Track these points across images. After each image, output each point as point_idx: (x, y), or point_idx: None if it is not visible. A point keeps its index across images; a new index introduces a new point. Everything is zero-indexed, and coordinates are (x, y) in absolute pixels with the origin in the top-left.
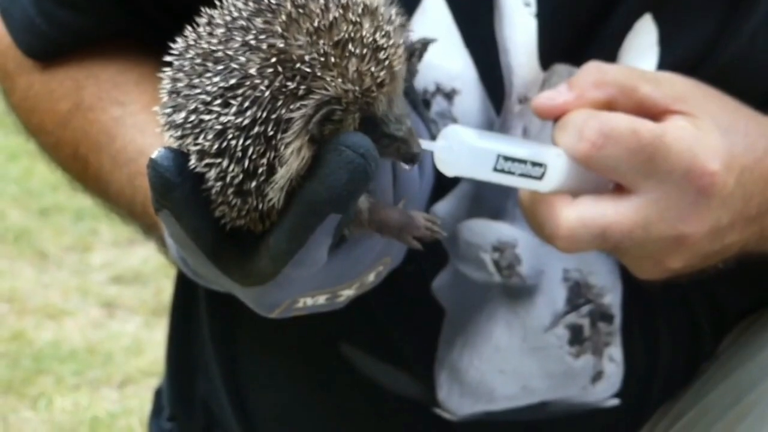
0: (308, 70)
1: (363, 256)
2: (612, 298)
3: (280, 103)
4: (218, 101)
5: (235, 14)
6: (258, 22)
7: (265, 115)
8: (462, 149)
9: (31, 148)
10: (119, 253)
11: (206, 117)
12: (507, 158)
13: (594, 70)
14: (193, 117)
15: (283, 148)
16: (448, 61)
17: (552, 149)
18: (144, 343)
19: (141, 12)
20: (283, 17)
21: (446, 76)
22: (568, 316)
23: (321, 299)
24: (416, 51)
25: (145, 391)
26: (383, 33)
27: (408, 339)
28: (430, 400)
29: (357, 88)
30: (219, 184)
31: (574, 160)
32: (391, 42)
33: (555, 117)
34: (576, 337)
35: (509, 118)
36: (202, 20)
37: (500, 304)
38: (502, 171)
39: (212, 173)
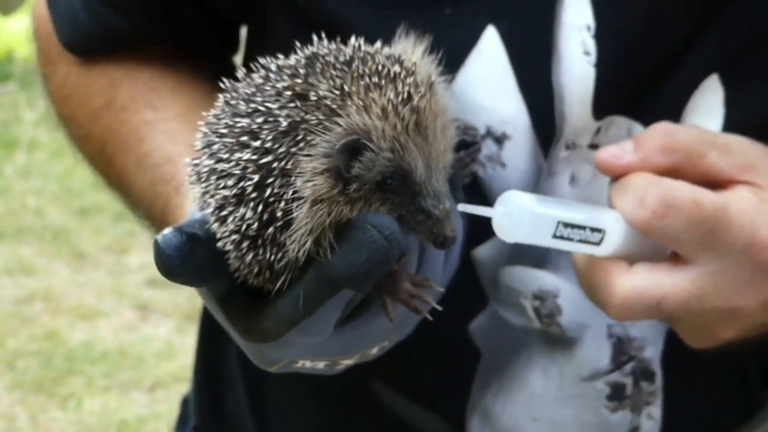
0: (330, 103)
1: (369, 336)
2: (652, 352)
3: (300, 136)
4: (242, 142)
5: (272, 68)
6: (287, 73)
7: (284, 149)
8: (522, 216)
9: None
10: None
11: (228, 164)
12: (567, 224)
13: (663, 132)
14: (217, 165)
15: (301, 183)
16: (500, 104)
17: (610, 213)
18: (176, 348)
19: (182, 18)
20: (311, 67)
21: (497, 120)
22: (612, 374)
23: (320, 364)
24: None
25: (174, 395)
26: (413, 83)
27: (441, 380)
28: None
29: (385, 124)
30: (235, 237)
31: (634, 226)
32: (421, 90)
33: (617, 175)
34: (617, 394)
35: (555, 163)
36: (241, 75)
37: (538, 351)
38: (561, 237)
39: (230, 225)
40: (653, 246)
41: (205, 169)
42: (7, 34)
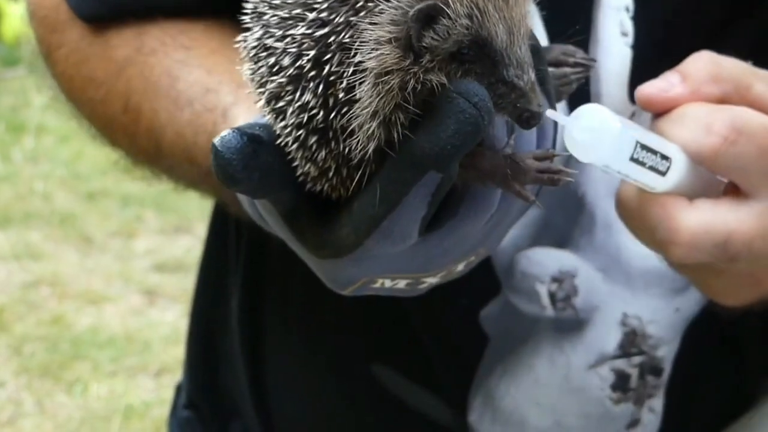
0: None
1: (456, 246)
2: (666, 352)
3: (360, 3)
4: (295, 15)
5: None
6: None
7: (342, 19)
8: (605, 131)
9: (84, 131)
10: (163, 240)
11: (281, 41)
12: (644, 147)
13: (709, 61)
14: (268, 41)
15: (364, 54)
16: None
17: (669, 144)
18: (182, 333)
19: None
20: None
21: None
22: (617, 360)
23: (401, 283)
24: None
25: None
26: None
27: (447, 362)
28: (459, 425)
29: None
30: (300, 133)
31: (699, 156)
32: None
33: (664, 110)
34: (621, 384)
35: None
36: None
37: (546, 339)
38: (637, 161)
39: (290, 119)
40: (708, 183)
41: (254, 45)
42: (16, 19)
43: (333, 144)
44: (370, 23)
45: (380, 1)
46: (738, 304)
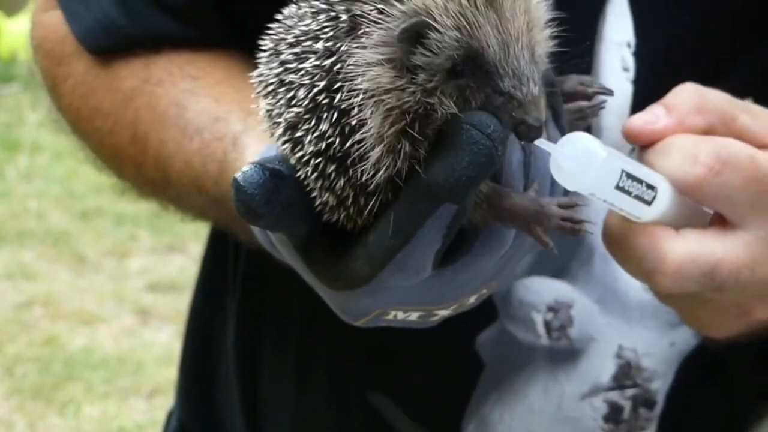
0: None
1: (470, 280)
2: (660, 385)
3: (361, 31)
4: (306, 48)
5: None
6: None
7: (345, 47)
8: (591, 160)
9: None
10: (157, 260)
11: (296, 74)
12: (629, 176)
13: (694, 92)
14: (285, 75)
15: (361, 78)
16: None
17: (656, 174)
18: (175, 354)
19: (231, 24)
20: None
21: None
22: (611, 392)
23: (414, 315)
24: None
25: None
26: None
27: (442, 387)
28: None
29: (450, 1)
30: (318, 161)
31: (684, 186)
32: None
33: (650, 142)
34: (614, 416)
35: None
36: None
37: (541, 368)
38: (622, 189)
39: (308, 147)
40: (695, 211)
41: (272, 81)
42: (11, 36)
43: (351, 172)
44: (364, 48)
45: (372, 25)
46: (725, 335)
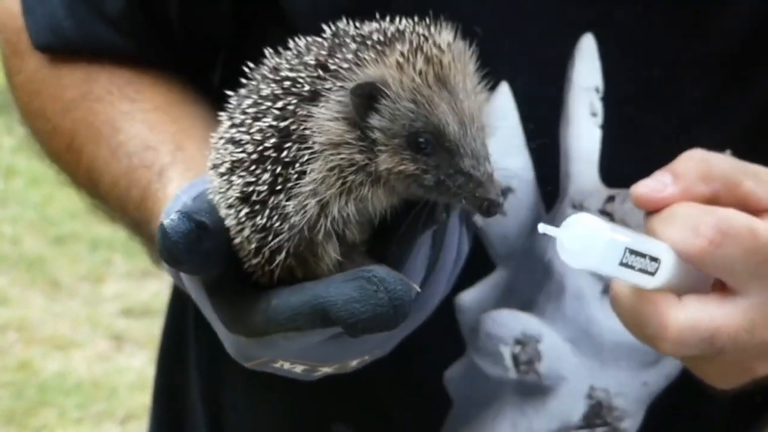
0: (347, 66)
1: (354, 347)
2: (630, 424)
3: (321, 96)
4: (264, 109)
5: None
6: (314, 47)
7: (304, 113)
8: (595, 240)
9: (54, 174)
10: (131, 285)
11: (249, 131)
12: (633, 251)
13: (699, 160)
14: (236, 134)
15: (316, 133)
16: (508, 158)
17: (659, 243)
18: (149, 379)
19: (173, 39)
20: (334, 40)
21: (503, 173)
22: (581, 431)
23: (299, 368)
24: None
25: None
26: (432, 42)
27: (410, 425)
28: None
29: (402, 74)
30: (237, 203)
31: (686, 256)
32: (441, 48)
33: (657, 208)
34: None
35: (560, 219)
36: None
37: (510, 403)
38: (626, 265)
39: (234, 191)
40: (697, 278)
41: (225, 137)
42: None
43: (266, 215)
44: (321, 106)
45: (331, 91)
46: (730, 387)
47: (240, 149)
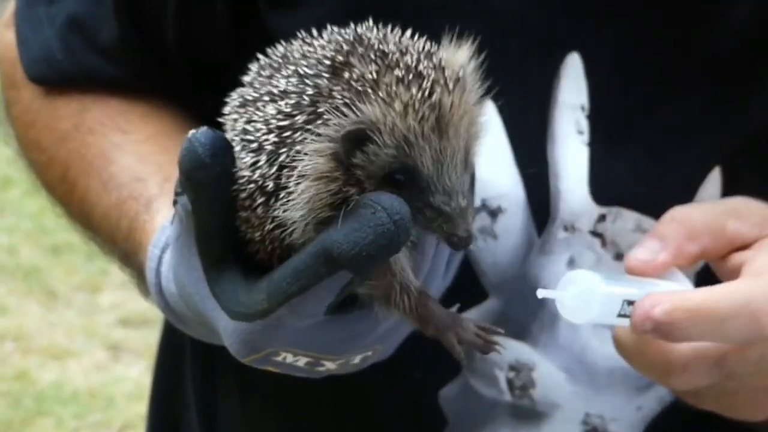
0: (358, 87)
1: (361, 334)
2: None
3: (320, 110)
4: (275, 95)
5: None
6: (333, 46)
7: (302, 119)
8: (592, 297)
9: None
10: (128, 295)
11: (259, 113)
12: (630, 303)
13: (681, 220)
14: (250, 108)
15: (306, 161)
16: (497, 178)
17: (652, 288)
18: (146, 389)
19: (168, 68)
20: (355, 46)
21: (494, 194)
22: None
23: (302, 361)
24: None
25: None
26: (441, 79)
27: None
28: None
29: (401, 121)
30: (251, 186)
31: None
32: (448, 86)
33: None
34: None
35: (552, 242)
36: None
37: (505, 425)
38: (624, 315)
39: (248, 162)
40: None
41: (238, 105)
42: None
43: (271, 210)
44: (316, 134)
45: (331, 116)
46: (756, 419)
47: (251, 129)
